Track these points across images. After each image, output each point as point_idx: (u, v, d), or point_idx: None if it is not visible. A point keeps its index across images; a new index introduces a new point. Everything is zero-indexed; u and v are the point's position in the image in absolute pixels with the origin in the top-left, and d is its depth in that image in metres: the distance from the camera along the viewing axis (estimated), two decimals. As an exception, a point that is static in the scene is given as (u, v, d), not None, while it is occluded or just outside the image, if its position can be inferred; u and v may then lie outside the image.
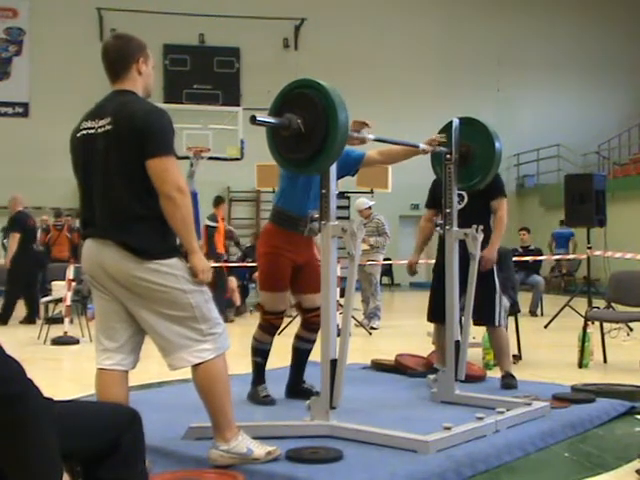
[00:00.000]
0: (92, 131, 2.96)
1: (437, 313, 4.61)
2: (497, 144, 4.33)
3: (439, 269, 4.78)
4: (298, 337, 4.45)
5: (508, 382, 4.81)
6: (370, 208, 9.24)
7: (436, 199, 4.76)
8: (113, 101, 2.99)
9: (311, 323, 4.31)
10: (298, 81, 3.47)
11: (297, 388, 4.42)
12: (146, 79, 3.08)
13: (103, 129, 2.92)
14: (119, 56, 3.04)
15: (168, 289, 2.90)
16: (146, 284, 2.89)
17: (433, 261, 5.01)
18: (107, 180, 2.91)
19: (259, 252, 4.33)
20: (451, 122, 4.34)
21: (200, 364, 2.96)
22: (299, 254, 4.21)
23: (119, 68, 3.03)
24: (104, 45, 3.10)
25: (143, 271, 2.89)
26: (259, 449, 3.10)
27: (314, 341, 4.37)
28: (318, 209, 3.82)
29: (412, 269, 5.11)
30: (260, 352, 4.37)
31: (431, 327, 5.43)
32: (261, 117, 3.28)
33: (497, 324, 4.89)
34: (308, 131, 3.30)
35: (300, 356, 4.46)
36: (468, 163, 4.36)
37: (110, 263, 2.92)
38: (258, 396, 4.31)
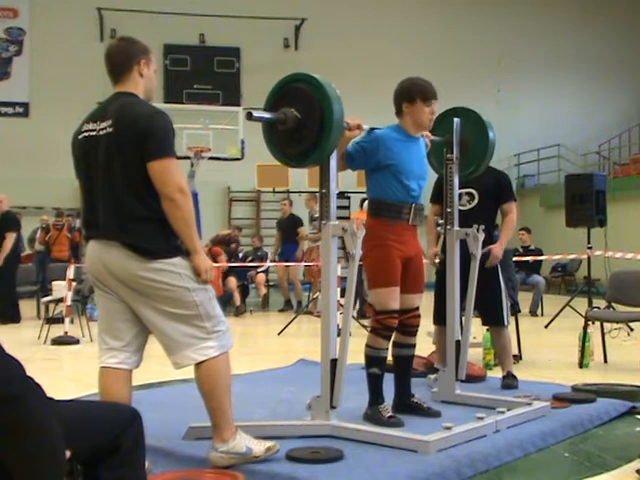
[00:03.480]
0: (93, 133, 2.98)
1: (442, 317, 4.60)
2: (491, 134, 4.36)
3: (442, 271, 4.78)
4: (396, 344, 3.99)
5: (509, 382, 4.82)
6: None
7: (441, 195, 4.75)
8: (114, 103, 3.01)
9: (409, 325, 3.95)
10: (292, 75, 3.48)
11: (406, 402, 3.99)
12: (148, 82, 3.10)
13: (104, 131, 2.95)
14: (121, 58, 3.06)
15: (172, 287, 2.93)
16: (151, 283, 2.92)
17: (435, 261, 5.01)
18: (109, 181, 2.94)
19: (366, 250, 3.79)
20: (446, 112, 4.34)
21: (203, 362, 2.98)
22: (406, 244, 3.87)
23: (121, 70, 3.06)
24: (107, 47, 3.14)
25: (147, 270, 2.91)
26: (258, 446, 3.11)
27: (414, 345, 4.05)
28: (416, 194, 3.88)
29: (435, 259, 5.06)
30: (376, 361, 3.83)
31: (431, 327, 5.43)
32: (257, 113, 3.33)
33: (506, 324, 4.96)
34: (304, 125, 3.32)
35: (402, 365, 4.03)
36: (463, 153, 4.36)
37: (114, 263, 2.94)
38: (381, 417, 3.76)
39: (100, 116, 3.00)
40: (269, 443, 3.15)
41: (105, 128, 2.94)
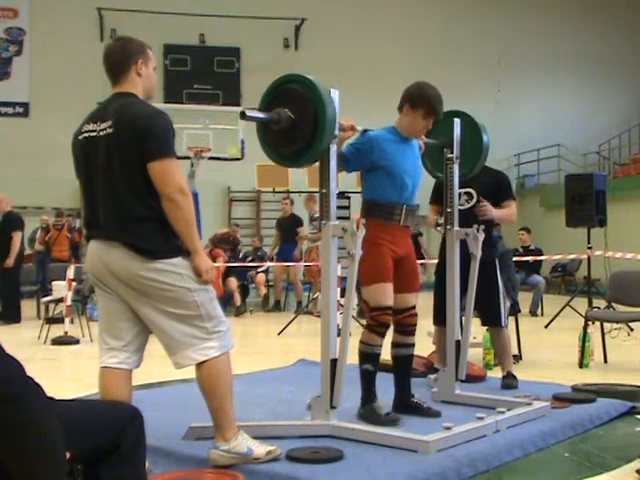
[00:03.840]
0: (94, 134, 2.99)
1: (442, 317, 4.62)
2: (485, 137, 4.42)
3: (442, 271, 4.80)
4: (394, 344, 4.01)
5: (509, 382, 4.83)
6: None
7: (441, 195, 4.77)
8: (114, 104, 3.02)
9: (405, 325, 3.95)
10: (286, 76, 3.50)
11: (406, 402, 3.99)
12: (146, 81, 3.10)
13: (105, 132, 2.95)
14: (118, 58, 3.06)
15: (174, 288, 2.93)
16: (152, 283, 2.92)
17: (433, 261, 5.02)
18: (110, 182, 2.94)
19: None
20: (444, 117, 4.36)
21: (204, 362, 2.99)
22: (398, 245, 3.89)
23: (119, 70, 3.06)
24: (105, 48, 3.14)
25: (149, 270, 2.91)
26: (259, 448, 3.11)
27: (413, 345, 4.03)
28: (409, 195, 3.91)
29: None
30: (370, 357, 3.81)
31: (431, 327, 5.42)
32: (251, 112, 3.36)
33: (504, 325, 4.95)
34: (297, 125, 3.35)
35: (401, 365, 4.03)
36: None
37: (115, 263, 2.95)
38: (377, 416, 3.76)
39: (100, 116, 3.01)
40: (271, 447, 3.15)
41: (105, 129, 2.95)
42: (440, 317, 4.67)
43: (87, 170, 3.03)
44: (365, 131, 3.88)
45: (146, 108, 2.99)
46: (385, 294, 3.80)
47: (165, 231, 2.94)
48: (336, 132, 3.46)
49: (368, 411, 3.80)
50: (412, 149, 4.04)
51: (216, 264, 10.14)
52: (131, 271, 2.93)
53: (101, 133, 2.96)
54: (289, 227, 11.29)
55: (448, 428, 3.41)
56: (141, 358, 3.12)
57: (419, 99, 3.92)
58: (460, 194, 4.71)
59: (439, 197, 4.61)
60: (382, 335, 3.84)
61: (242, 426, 3.16)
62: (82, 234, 14.53)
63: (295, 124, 3.34)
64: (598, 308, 6.63)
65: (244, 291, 11.28)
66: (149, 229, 2.93)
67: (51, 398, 1.85)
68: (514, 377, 4.90)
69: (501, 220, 4.81)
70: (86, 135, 3.02)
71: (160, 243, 2.94)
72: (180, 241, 2.97)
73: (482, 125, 4.45)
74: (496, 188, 4.93)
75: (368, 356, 3.82)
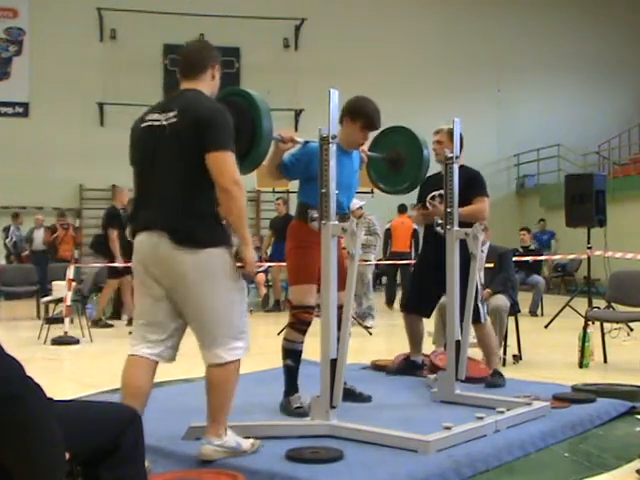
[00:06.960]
0: (157, 123, 3.07)
1: (412, 305, 4.73)
2: (425, 151, 4.48)
3: (421, 262, 4.88)
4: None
5: (495, 381, 4.79)
6: (361, 208, 9.31)
7: (422, 197, 4.93)
8: (182, 97, 3.13)
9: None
10: (230, 89, 3.65)
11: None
12: (214, 86, 3.26)
13: (169, 121, 3.03)
14: (200, 56, 3.21)
15: (217, 281, 3.00)
16: (196, 277, 2.97)
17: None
18: (165, 171, 3.02)
19: (287, 250, 4.17)
20: (384, 130, 4.49)
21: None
22: None
23: (196, 68, 3.19)
24: (187, 46, 3.30)
25: (195, 263, 2.97)
26: (245, 442, 3.19)
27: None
28: (343, 205, 3.99)
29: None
30: (291, 353, 4.05)
31: (431, 327, 5.42)
32: None
33: (483, 321, 4.87)
34: (236, 135, 3.41)
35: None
36: (399, 168, 4.54)
37: (163, 254, 3.00)
38: (290, 407, 4.00)
39: (167, 107, 3.09)
40: (251, 440, 3.23)
41: (170, 118, 3.03)
42: (410, 304, 4.78)
43: (142, 158, 3.11)
44: (307, 142, 4.01)
45: (212, 103, 3.11)
46: (308, 294, 3.99)
47: (215, 223, 3.02)
48: (272, 142, 3.61)
49: (286, 402, 4.03)
50: (351, 161, 4.20)
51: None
52: (177, 264, 2.97)
53: (165, 123, 3.03)
54: (283, 227, 11.21)
55: (448, 428, 3.41)
56: (175, 354, 3.17)
57: (358, 111, 4.12)
58: (434, 196, 4.76)
59: (421, 198, 4.88)
60: (303, 332, 4.03)
61: (242, 426, 3.17)
62: (82, 233, 14.54)
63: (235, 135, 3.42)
64: (598, 308, 6.63)
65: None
66: (201, 220, 3.00)
67: (50, 399, 1.85)
68: (500, 375, 4.87)
69: (466, 217, 4.54)
70: (149, 124, 3.09)
71: (209, 235, 3.00)
72: (229, 233, 3.05)
73: (423, 140, 4.50)
74: (467, 186, 4.72)
75: (290, 352, 4.04)
